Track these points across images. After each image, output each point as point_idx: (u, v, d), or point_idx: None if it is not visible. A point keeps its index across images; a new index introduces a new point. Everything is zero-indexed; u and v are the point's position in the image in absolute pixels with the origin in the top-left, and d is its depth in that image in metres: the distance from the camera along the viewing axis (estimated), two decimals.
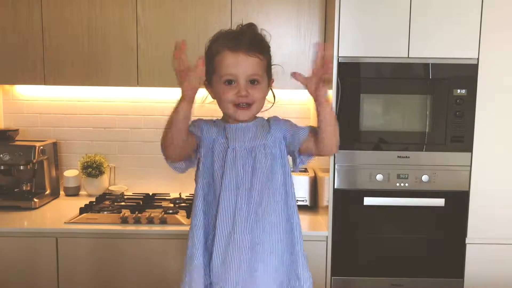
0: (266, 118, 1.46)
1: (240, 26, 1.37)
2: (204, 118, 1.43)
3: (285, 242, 1.38)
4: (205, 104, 1.42)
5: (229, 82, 1.32)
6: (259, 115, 1.44)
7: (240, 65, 1.30)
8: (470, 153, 2.04)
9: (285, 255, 1.39)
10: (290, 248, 1.40)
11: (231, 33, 1.35)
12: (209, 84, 1.38)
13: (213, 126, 1.39)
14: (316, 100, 1.30)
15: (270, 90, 1.43)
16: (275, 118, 1.45)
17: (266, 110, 1.43)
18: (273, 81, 1.43)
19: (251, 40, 1.32)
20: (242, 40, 1.31)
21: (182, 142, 1.31)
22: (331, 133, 1.34)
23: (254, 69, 1.32)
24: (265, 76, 1.37)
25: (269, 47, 1.38)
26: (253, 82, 1.33)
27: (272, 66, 1.42)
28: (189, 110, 1.26)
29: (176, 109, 1.28)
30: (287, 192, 1.39)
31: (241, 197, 1.34)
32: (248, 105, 1.34)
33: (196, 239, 1.36)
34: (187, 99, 1.24)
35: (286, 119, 1.46)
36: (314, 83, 1.27)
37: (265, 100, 1.42)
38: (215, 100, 1.39)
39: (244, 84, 1.32)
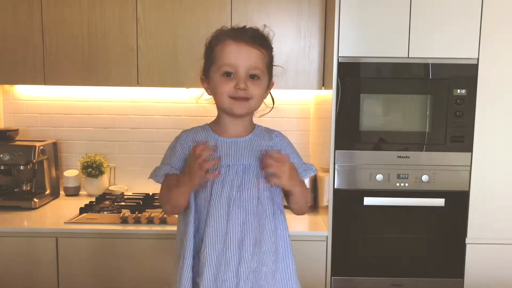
0: (268, 129, 1.39)
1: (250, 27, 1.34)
2: (188, 129, 1.39)
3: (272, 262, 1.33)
4: (199, 103, 1.38)
5: (228, 74, 1.26)
6: (258, 122, 1.40)
7: (241, 55, 1.24)
8: (470, 153, 2.04)
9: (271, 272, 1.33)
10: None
11: (232, 27, 1.31)
12: (206, 77, 1.33)
13: (199, 140, 1.32)
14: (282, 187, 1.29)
15: (269, 94, 1.37)
16: (283, 141, 1.38)
17: (265, 114, 1.39)
18: (273, 84, 1.37)
19: (253, 33, 1.28)
20: (245, 32, 1.27)
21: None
22: (301, 205, 1.37)
23: (256, 61, 1.26)
24: (266, 74, 1.31)
25: (271, 46, 1.33)
26: (253, 77, 1.27)
27: (274, 68, 1.39)
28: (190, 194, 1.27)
29: (180, 192, 1.25)
30: (274, 214, 1.33)
31: (232, 216, 1.26)
32: (247, 100, 1.27)
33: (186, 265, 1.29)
34: (197, 186, 1.23)
35: (294, 150, 1.40)
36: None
37: (263, 103, 1.37)
38: (211, 98, 1.33)
39: (244, 77, 1.25)
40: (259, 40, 1.27)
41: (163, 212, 2.21)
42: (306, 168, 1.39)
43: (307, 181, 2.35)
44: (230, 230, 1.26)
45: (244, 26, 1.31)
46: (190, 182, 1.21)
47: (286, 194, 1.35)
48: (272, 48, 1.34)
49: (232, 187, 1.27)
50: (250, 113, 1.33)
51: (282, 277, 1.33)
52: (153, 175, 1.36)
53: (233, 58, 1.25)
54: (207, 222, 1.26)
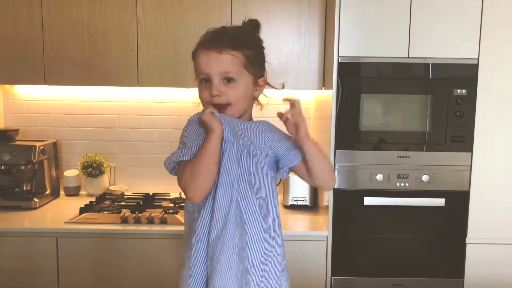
0: (254, 122, 1.38)
1: (243, 22, 1.36)
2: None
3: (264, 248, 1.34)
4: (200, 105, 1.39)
5: (205, 80, 1.31)
6: (260, 118, 1.40)
7: (210, 63, 1.28)
8: (470, 153, 2.04)
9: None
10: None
11: (211, 32, 1.33)
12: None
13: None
14: (297, 141, 1.29)
15: (265, 88, 1.38)
16: (267, 128, 1.37)
17: (263, 106, 1.41)
18: (265, 80, 1.38)
19: (227, 37, 1.29)
20: (218, 38, 1.29)
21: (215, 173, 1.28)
22: (322, 172, 1.32)
23: (226, 66, 1.28)
24: (245, 73, 1.31)
25: (254, 43, 1.34)
26: (229, 80, 1.29)
27: (270, 66, 1.39)
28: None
29: (212, 146, 1.26)
30: (270, 199, 1.35)
31: (237, 195, 1.29)
32: (225, 106, 1.30)
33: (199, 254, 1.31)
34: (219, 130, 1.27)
35: (279, 132, 1.37)
36: (293, 126, 1.26)
37: (258, 100, 1.39)
38: None
39: (218, 83, 1.29)
40: (230, 44, 1.28)
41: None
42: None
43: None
44: (233, 209, 1.29)
45: (224, 27, 1.34)
46: (212, 131, 1.26)
47: (305, 164, 1.32)
48: (254, 44, 1.34)
49: (233, 165, 1.29)
50: (237, 115, 1.34)
51: (270, 265, 1.34)
52: (167, 161, 1.33)
53: (204, 66, 1.30)
54: (215, 200, 1.29)
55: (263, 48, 1.38)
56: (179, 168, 1.31)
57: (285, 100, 1.28)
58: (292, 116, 1.25)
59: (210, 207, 1.30)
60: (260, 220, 1.31)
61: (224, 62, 1.28)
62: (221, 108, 1.31)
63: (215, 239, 1.28)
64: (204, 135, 1.29)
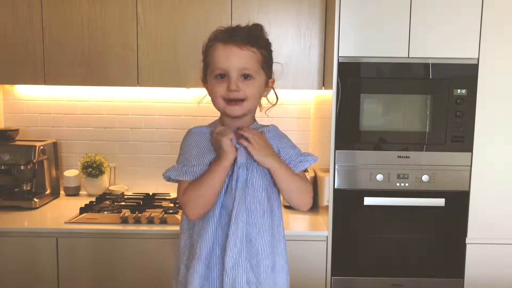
0: (261, 126, 1.38)
1: (246, 25, 1.35)
2: (196, 127, 1.37)
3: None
4: (201, 104, 1.38)
5: (221, 76, 1.28)
6: (261, 121, 1.41)
7: (231, 58, 1.26)
8: (470, 153, 2.04)
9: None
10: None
11: (227, 28, 1.32)
12: (204, 80, 1.35)
13: (206, 138, 1.33)
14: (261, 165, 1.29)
15: (271, 90, 1.39)
16: (273, 135, 1.37)
17: (269, 109, 1.41)
18: (273, 81, 1.38)
19: (245, 34, 1.28)
20: (235, 34, 1.28)
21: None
22: (287, 191, 1.32)
23: (246, 62, 1.27)
24: (261, 73, 1.31)
25: (267, 43, 1.34)
26: (246, 77, 1.28)
27: (273, 66, 1.39)
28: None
29: (223, 170, 1.25)
30: (273, 209, 1.36)
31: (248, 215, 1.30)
32: (240, 101, 1.29)
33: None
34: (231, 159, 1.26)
35: (285, 139, 1.39)
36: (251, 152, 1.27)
37: (265, 99, 1.39)
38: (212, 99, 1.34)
39: (235, 78, 1.27)
40: (250, 40, 1.28)
41: (165, 213, 2.21)
42: (302, 160, 1.37)
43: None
44: (248, 224, 1.29)
45: (239, 25, 1.32)
46: (225, 158, 1.24)
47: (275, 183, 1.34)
48: (268, 45, 1.34)
49: (247, 187, 1.30)
50: (247, 114, 1.34)
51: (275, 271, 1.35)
52: (166, 174, 1.33)
53: (223, 61, 1.27)
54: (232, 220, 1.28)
55: (271, 50, 1.37)
56: (180, 184, 1.31)
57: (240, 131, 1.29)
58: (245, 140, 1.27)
59: (215, 222, 1.30)
60: (267, 233, 1.32)
61: (244, 58, 1.27)
62: (237, 102, 1.29)
63: (233, 266, 1.27)
64: (210, 154, 1.29)
